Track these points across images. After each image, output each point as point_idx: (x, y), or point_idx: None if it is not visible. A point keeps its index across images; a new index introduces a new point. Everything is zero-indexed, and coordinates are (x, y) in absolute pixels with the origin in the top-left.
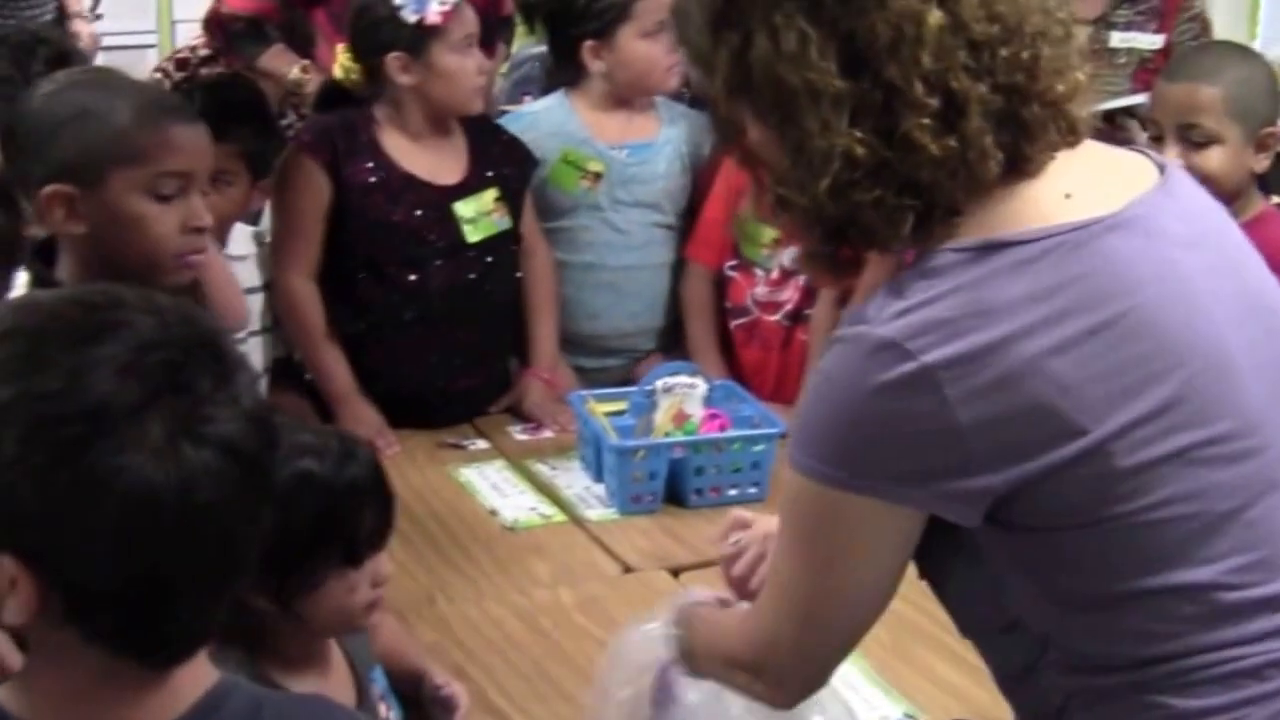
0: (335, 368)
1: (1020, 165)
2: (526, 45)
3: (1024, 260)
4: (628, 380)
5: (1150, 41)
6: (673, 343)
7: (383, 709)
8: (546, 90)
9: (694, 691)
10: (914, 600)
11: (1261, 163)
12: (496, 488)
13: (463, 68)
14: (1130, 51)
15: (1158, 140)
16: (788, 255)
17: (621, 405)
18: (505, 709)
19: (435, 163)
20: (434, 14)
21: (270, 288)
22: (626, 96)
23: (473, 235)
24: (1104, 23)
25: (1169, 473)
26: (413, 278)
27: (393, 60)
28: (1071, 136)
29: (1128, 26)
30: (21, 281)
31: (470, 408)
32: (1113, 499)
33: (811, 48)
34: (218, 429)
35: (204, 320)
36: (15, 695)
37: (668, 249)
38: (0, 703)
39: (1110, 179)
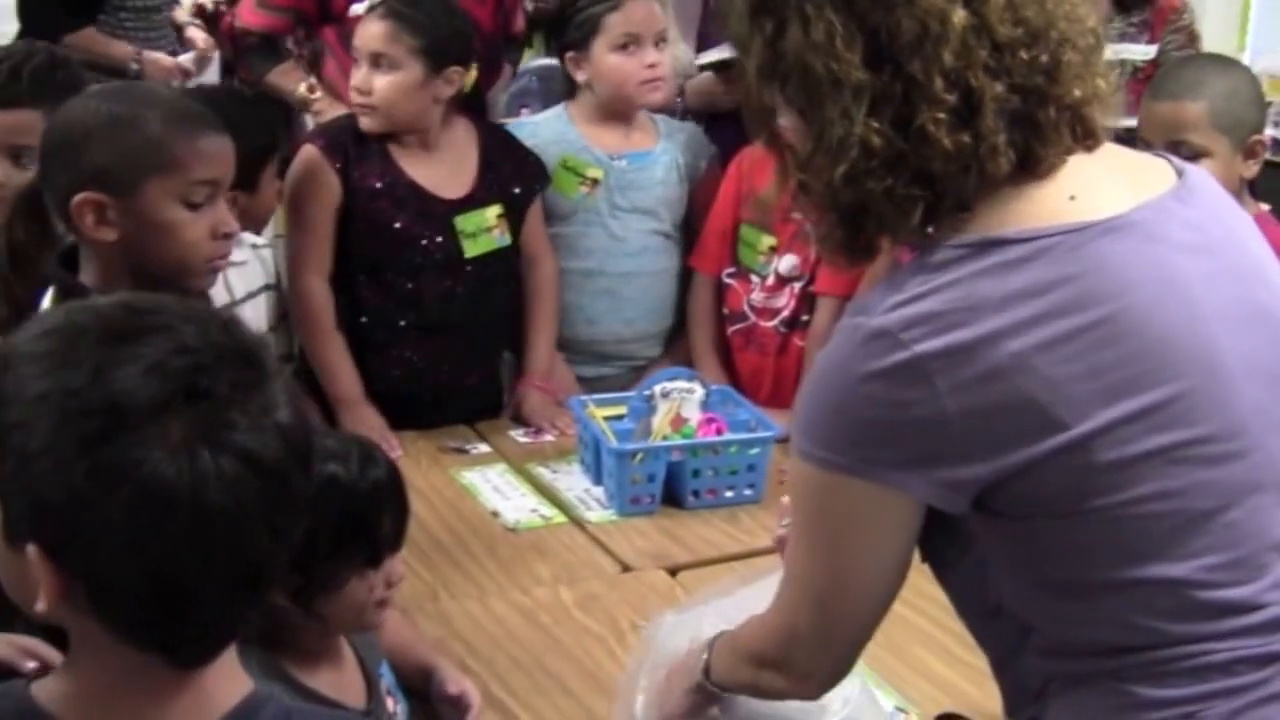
0: (343, 370)
1: (1032, 166)
2: (525, 60)
3: (1018, 259)
4: (627, 389)
5: (1142, 52)
6: (674, 348)
7: (390, 703)
8: (546, 103)
9: None
10: (905, 597)
11: (1251, 169)
12: (498, 490)
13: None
14: (1123, 63)
15: None
16: (784, 263)
17: (621, 409)
18: (507, 702)
19: (442, 174)
20: None
21: (277, 289)
22: (611, 109)
23: (471, 250)
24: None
25: (1150, 470)
26: (409, 285)
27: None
28: (1089, 140)
29: (1120, 38)
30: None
31: (460, 410)
32: (1093, 492)
33: (838, 39)
34: (239, 438)
35: (247, 333)
36: (50, 689)
37: (665, 257)
38: (34, 697)
39: (1123, 182)
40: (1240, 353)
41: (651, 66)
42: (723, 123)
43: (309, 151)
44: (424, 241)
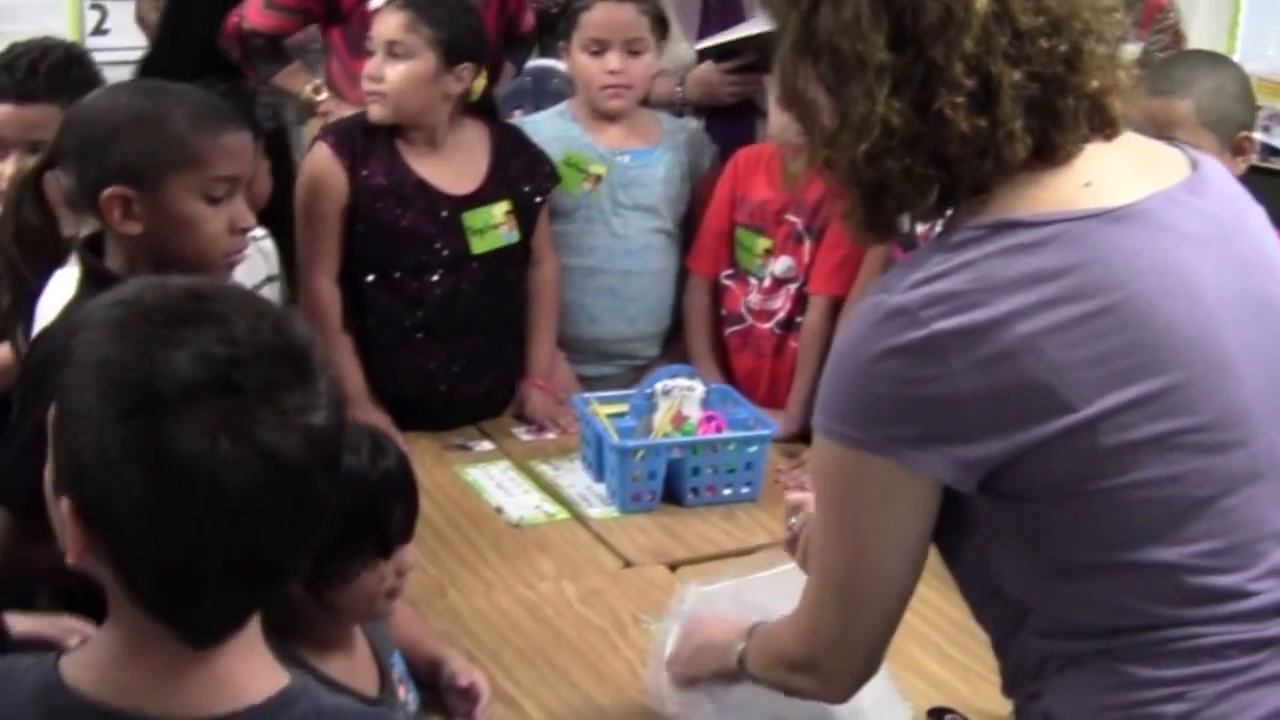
0: (349, 371)
1: (1049, 153)
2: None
3: (1031, 242)
4: (628, 389)
5: (1129, 51)
6: (673, 348)
7: (401, 691)
8: (539, 105)
9: None
10: None
11: (1240, 166)
12: (502, 487)
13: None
14: None
15: None
16: (779, 265)
17: (622, 407)
18: (512, 693)
19: (451, 171)
20: None
21: (284, 280)
22: (592, 106)
23: (478, 246)
24: None
25: (1150, 456)
26: (415, 284)
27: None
28: (1108, 129)
29: None
30: (72, 275)
31: (472, 415)
32: (1095, 475)
33: (865, 20)
34: (262, 433)
35: (298, 332)
36: (76, 659)
37: (666, 256)
38: (60, 669)
39: (1138, 171)
40: (1244, 344)
41: (613, 73)
42: (723, 119)
43: (320, 150)
44: (431, 239)
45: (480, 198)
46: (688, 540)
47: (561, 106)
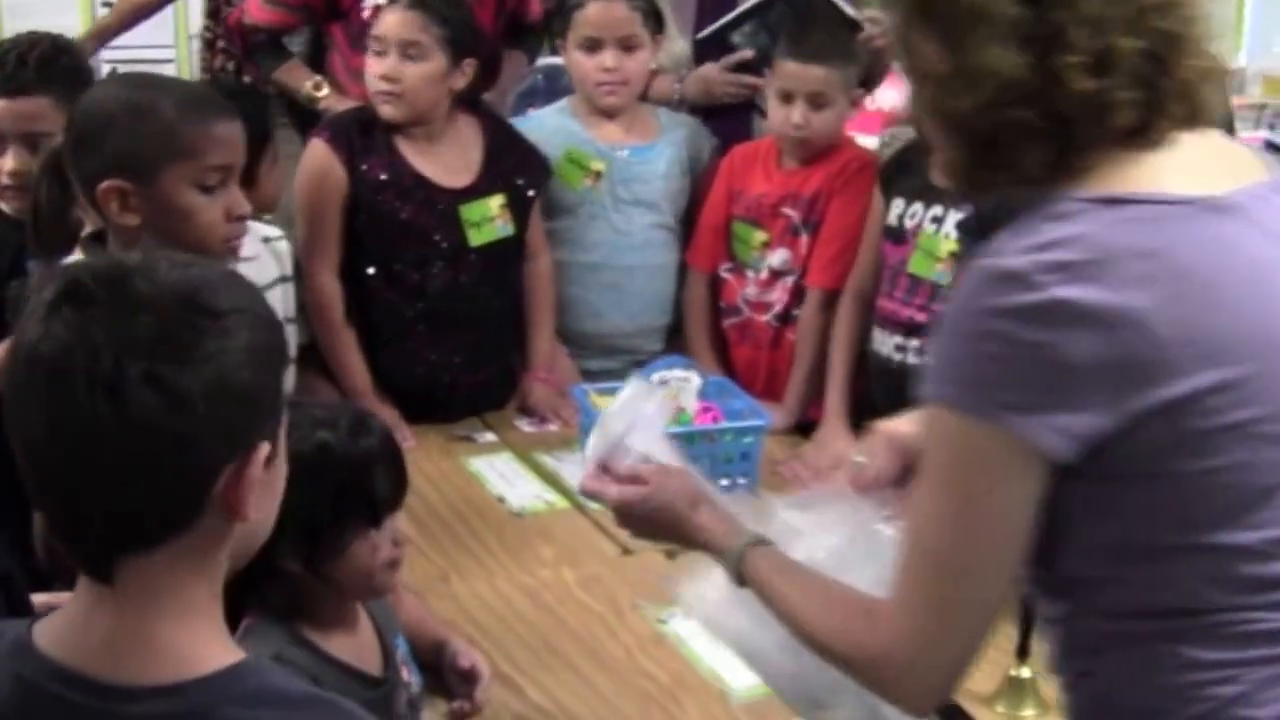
0: (356, 365)
1: (1145, 132)
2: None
3: (1138, 219)
4: None
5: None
6: (675, 343)
7: (404, 673)
8: (551, 102)
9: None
10: None
11: None
12: (504, 477)
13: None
14: None
15: None
16: (776, 257)
17: None
18: (513, 676)
19: (446, 164)
20: None
21: (298, 281)
22: (590, 102)
23: (475, 239)
24: None
25: (1231, 441)
26: (416, 276)
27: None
28: (1197, 119)
29: None
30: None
31: (474, 405)
32: (1179, 456)
33: None
34: (32, 334)
35: (196, 282)
36: (44, 622)
37: (667, 251)
38: (32, 630)
39: (1222, 166)
40: None
41: (608, 70)
42: (720, 115)
43: (316, 146)
44: (430, 231)
45: (476, 191)
46: None
47: (562, 103)
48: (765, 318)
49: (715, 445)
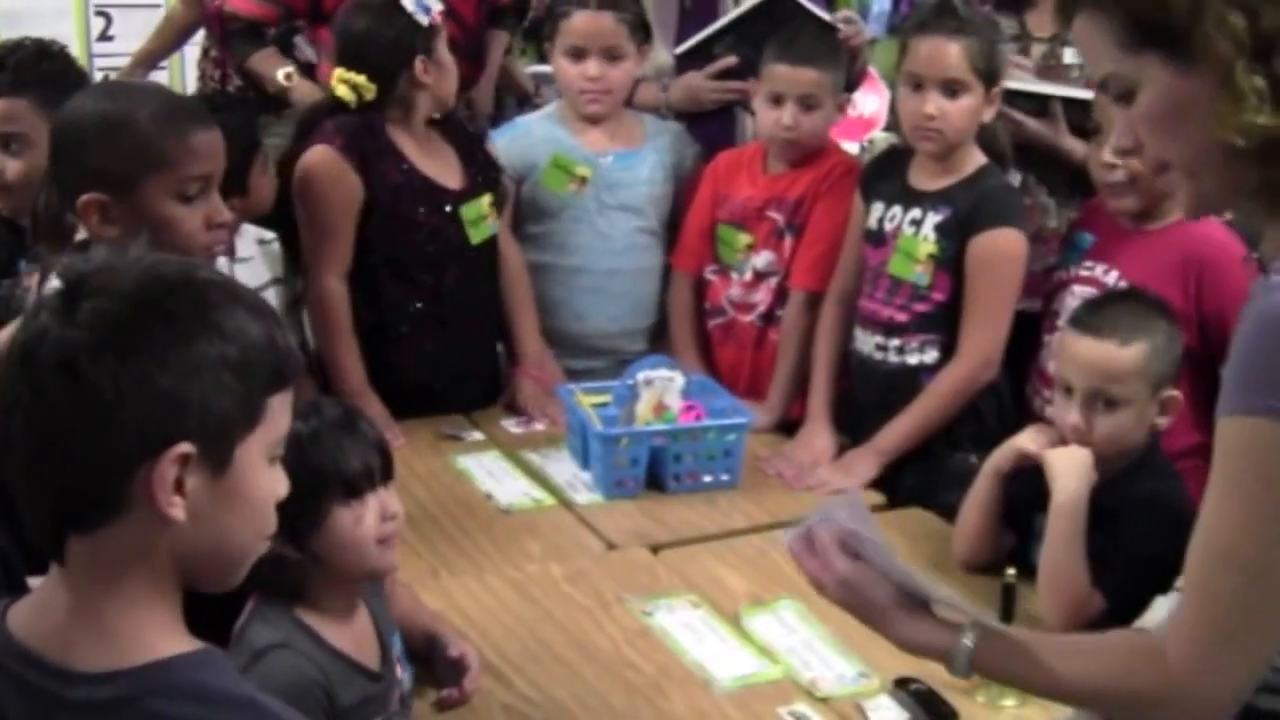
0: (354, 366)
1: None
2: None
3: None
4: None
5: None
6: (658, 343)
7: (398, 670)
8: None
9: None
10: None
11: None
12: (492, 474)
13: (452, 60)
14: (1083, 68)
15: (1102, 141)
16: (761, 259)
17: (606, 397)
18: (501, 667)
19: (440, 167)
20: (436, 13)
21: (301, 285)
22: (575, 109)
23: (475, 237)
24: (1058, 40)
25: None
26: (428, 276)
27: (420, 64)
28: None
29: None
30: None
31: (469, 394)
32: None
33: None
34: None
35: (147, 283)
36: (18, 604)
37: (649, 254)
38: (8, 611)
39: None
40: None
41: (592, 79)
42: (704, 121)
43: (327, 153)
44: (440, 232)
45: (470, 191)
46: (669, 524)
47: (550, 108)
48: (749, 318)
49: (699, 443)
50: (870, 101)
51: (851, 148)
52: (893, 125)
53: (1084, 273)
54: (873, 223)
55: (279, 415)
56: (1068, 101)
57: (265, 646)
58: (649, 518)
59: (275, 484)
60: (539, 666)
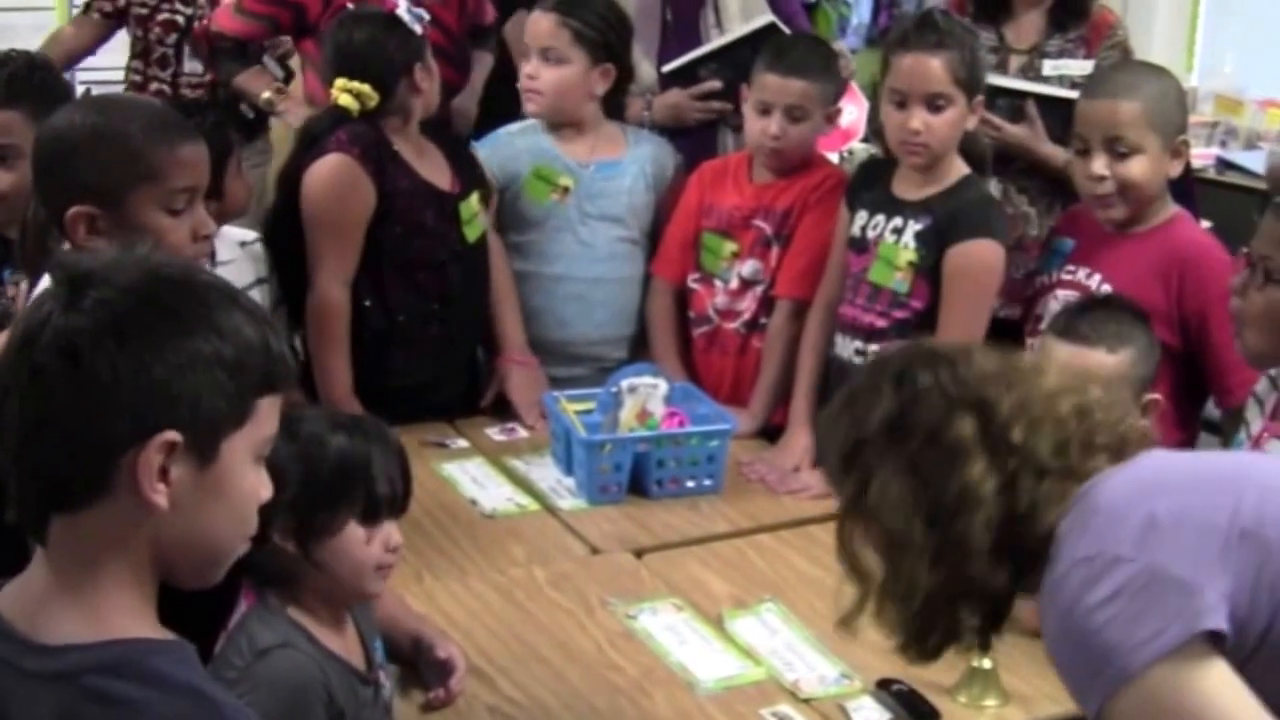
0: (343, 373)
1: None
2: None
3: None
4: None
5: (1080, 68)
6: (640, 351)
7: (381, 676)
8: None
9: None
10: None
11: (1175, 168)
12: (476, 481)
13: (435, 66)
14: (1062, 78)
15: (1084, 154)
16: (746, 267)
17: (589, 404)
18: (485, 669)
19: (434, 170)
20: (425, 23)
21: (269, 282)
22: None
23: (470, 235)
24: (1037, 52)
25: None
26: (434, 277)
27: (419, 71)
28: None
29: (1059, 54)
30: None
31: (461, 393)
32: None
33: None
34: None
35: (151, 279)
36: (10, 583)
37: (632, 263)
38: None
39: None
40: None
41: (527, 77)
42: (687, 133)
43: (344, 161)
44: (444, 233)
45: (463, 190)
46: (653, 528)
47: (531, 120)
48: (733, 325)
49: (682, 449)
50: (849, 112)
51: (831, 158)
52: (870, 136)
53: (1066, 277)
54: (856, 230)
55: (267, 417)
56: (1045, 106)
57: (269, 645)
58: (632, 522)
59: (259, 485)
60: (523, 668)
